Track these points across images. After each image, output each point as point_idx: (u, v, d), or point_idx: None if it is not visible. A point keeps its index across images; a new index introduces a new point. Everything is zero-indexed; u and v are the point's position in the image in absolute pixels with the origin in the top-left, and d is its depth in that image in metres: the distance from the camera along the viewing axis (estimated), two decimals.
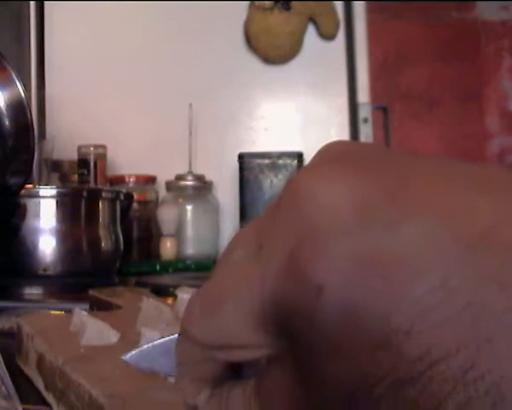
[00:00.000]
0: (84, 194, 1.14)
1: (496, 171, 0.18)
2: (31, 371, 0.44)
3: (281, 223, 0.18)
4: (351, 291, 0.16)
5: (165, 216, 1.39)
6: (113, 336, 0.42)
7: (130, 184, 1.46)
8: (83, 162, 1.39)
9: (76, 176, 1.41)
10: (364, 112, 1.60)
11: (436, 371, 0.15)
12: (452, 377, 0.15)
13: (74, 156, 1.41)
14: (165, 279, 1.08)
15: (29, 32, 1.56)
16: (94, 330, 0.42)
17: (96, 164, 1.39)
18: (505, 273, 0.15)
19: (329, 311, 0.17)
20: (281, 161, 1.34)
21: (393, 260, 0.16)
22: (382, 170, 0.18)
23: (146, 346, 0.23)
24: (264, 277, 0.18)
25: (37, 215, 1.06)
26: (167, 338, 0.24)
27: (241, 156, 1.37)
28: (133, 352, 0.23)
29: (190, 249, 1.46)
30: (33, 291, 1.06)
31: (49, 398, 0.39)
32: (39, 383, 0.42)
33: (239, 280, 0.19)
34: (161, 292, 0.85)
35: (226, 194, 1.55)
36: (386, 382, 0.16)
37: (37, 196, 1.08)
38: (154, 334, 0.38)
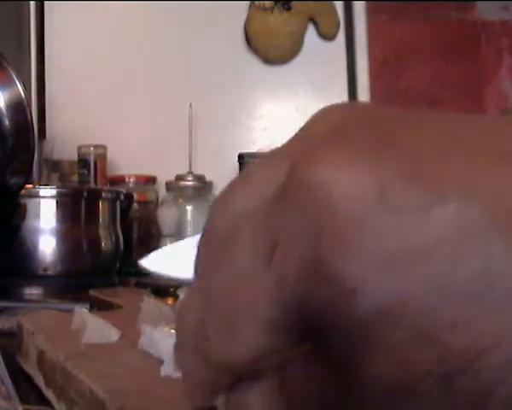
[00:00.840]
0: (84, 194, 1.14)
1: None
2: (31, 368, 0.44)
3: (294, 220, 0.17)
4: (388, 288, 0.15)
5: (165, 216, 1.39)
6: (113, 335, 0.42)
7: (130, 185, 1.46)
8: (83, 162, 1.39)
9: (76, 176, 1.41)
10: None
11: (485, 361, 0.15)
12: (502, 365, 0.15)
13: (74, 156, 1.41)
14: (166, 279, 1.08)
15: (29, 32, 1.56)
16: (95, 328, 0.42)
17: (96, 164, 1.39)
18: None
19: (367, 310, 0.16)
20: None
21: (429, 249, 0.15)
22: (398, 145, 0.17)
23: (159, 251, 0.23)
24: (282, 281, 0.17)
25: (37, 215, 1.06)
26: (182, 242, 0.22)
27: (241, 156, 1.37)
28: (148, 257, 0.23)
29: None
30: (33, 291, 1.06)
31: (50, 394, 0.39)
32: (39, 380, 0.42)
33: (253, 291, 0.18)
34: (161, 292, 0.85)
35: None
36: (433, 376, 0.15)
37: (37, 196, 1.08)
38: (154, 331, 0.38)
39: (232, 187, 0.20)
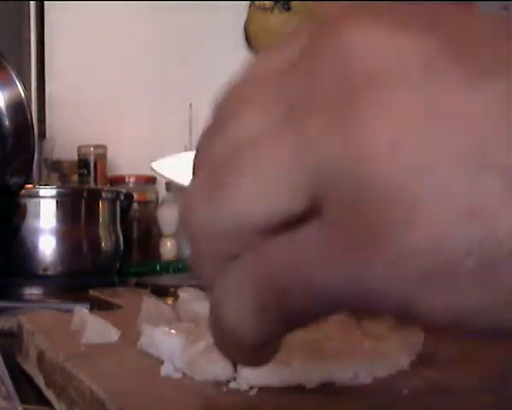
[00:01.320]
0: (84, 194, 1.14)
1: None
2: (31, 368, 0.44)
3: (322, 76, 0.15)
4: (431, 148, 0.14)
5: (166, 216, 1.39)
6: (113, 335, 0.42)
7: (130, 185, 1.46)
8: (83, 162, 1.39)
9: (76, 176, 1.41)
10: None
11: None
12: None
13: (74, 156, 1.41)
14: (165, 279, 1.08)
15: (29, 32, 1.56)
16: (94, 328, 0.42)
17: (95, 164, 1.39)
18: None
19: (407, 167, 0.14)
20: None
21: (473, 113, 0.14)
22: (439, 26, 0.15)
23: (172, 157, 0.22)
24: (302, 139, 0.15)
25: (37, 215, 1.06)
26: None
27: None
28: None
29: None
30: (33, 291, 1.06)
31: (50, 394, 0.39)
32: (39, 380, 0.42)
33: (264, 153, 0.16)
34: (161, 292, 0.84)
35: None
36: (473, 257, 0.14)
37: (37, 196, 1.08)
38: (154, 331, 0.38)
39: (245, 68, 0.20)
